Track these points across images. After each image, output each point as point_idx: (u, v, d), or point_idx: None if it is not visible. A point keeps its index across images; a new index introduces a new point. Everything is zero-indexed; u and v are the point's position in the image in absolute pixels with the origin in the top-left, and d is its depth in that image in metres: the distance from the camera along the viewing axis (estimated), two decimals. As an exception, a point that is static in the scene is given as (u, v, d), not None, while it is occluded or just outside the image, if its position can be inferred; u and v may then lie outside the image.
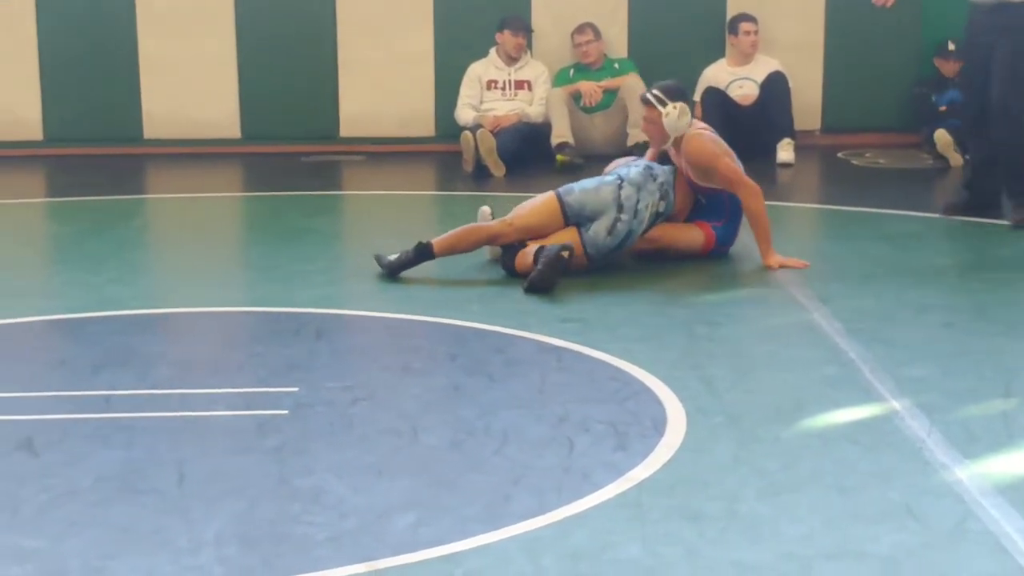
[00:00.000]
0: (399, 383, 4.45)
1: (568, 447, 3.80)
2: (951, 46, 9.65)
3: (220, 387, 4.41)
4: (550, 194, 6.10)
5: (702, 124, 6.37)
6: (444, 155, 9.83)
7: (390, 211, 8.09)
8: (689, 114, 6.17)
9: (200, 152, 9.96)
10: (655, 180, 6.04)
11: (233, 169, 9.72)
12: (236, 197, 8.83)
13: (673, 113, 6.13)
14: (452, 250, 6.03)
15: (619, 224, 5.95)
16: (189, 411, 4.18)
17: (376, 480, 3.60)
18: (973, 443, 3.81)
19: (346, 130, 10.24)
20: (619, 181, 6.04)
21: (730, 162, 6.10)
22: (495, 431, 3.92)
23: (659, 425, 3.96)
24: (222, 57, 10.15)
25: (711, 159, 6.08)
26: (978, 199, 7.12)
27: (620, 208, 5.95)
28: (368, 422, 4.05)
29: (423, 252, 5.95)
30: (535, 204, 6.10)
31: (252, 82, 10.16)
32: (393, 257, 5.98)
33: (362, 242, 7.09)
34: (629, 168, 6.16)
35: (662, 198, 6.05)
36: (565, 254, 5.70)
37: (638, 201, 5.98)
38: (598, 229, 5.95)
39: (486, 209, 6.39)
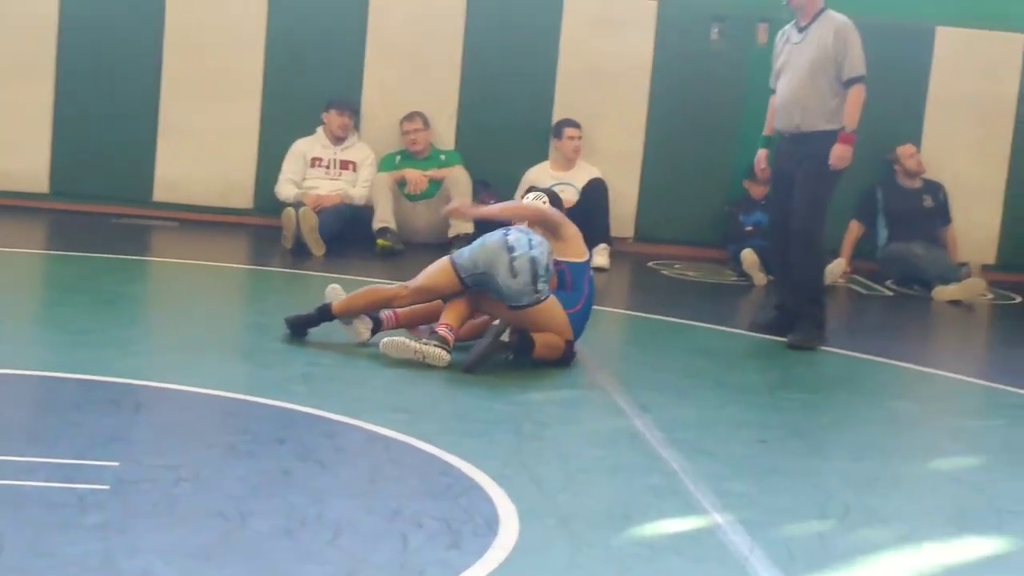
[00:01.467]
0: (225, 464, 4.36)
1: (402, 542, 3.78)
2: (762, 169, 10.03)
3: (37, 456, 4.25)
4: (444, 258, 6.28)
5: None
6: (261, 228, 9.75)
7: (206, 281, 7.97)
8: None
9: (4, 204, 9.66)
10: (540, 238, 6.26)
11: (40, 225, 9.45)
12: (45, 255, 8.58)
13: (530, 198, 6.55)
14: (348, 310, 6.23)
15: (516, 262, 6.04)
16: (5, 479, 4.01)
17: (205, 565, 3.51)
18: (793, 562, 3.91)
19: (160, 194, 10.07)
20: (504, 231, 6.21)
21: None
22: (328, 521, 3.88)
23: (492, 524, 3.97)
24: (38, 107, 9.91)
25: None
26: (786, 319, 7.38)
27: (511, 249, 6.06)
28: (194, 503, 3.95)
29: (323, 313, 6.24)
30: (430, 268, 6.25)
31: (67, 136, 9.95)
32: (294, 315, 6.26)
33: (179, 311, 6.97)
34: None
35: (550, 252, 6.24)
36: (504, 338, 6.00)
37: (529, 239, 6.15)
38: (503, 280, 6.03)
39: (336, 287, 6.39)
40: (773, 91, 7.46)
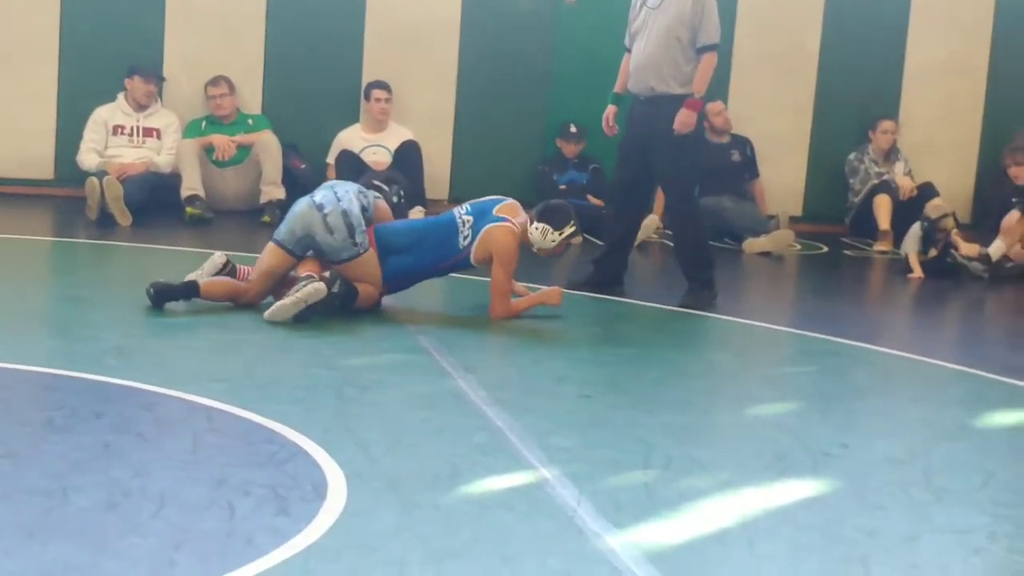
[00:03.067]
0: (43, 440, 4.23)
1: (229, 511, 3.71)
2: (572, 128, 10.12)
3: None
4: (268, 242, 6.38)
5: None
6: (64, 200, 9.48)
7: (9, 255, 7.69)
8: (550, 238, 6.57)
9: None
10: (346, 187, 6.41)
11: None
12: None
13: (536, 233, 6.54)
14: (209, 295, 6.24)
15: (329, 219, 6.18)
16: None
17: (27, 542, 3.39)
18: (620, 512, 3.96)
19: (-43, 167, 9.71)
20: (311, 194, 6.39)
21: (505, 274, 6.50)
22: (151, 493, 3.78)
23: (320, 489, 3.93)
24: None
25: (501, 255, 6.45)
26: (602, 276, 7.47)
27: (320, 207, 6.21)
28: (13, 481, 3.82)
29: (190, 288, 6.21)
30: (261, 255, 6.37)
31: None
32: (163, 283, 6.18)
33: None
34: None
35: (360, 191, 6.40)
36: (335, 289, 6.06)
37: (335, 192, 6.30)
38: (322, 239, 6.18)
39: (218, 257, 6.42)
40: (628, 50, 7.46)
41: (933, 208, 9.32)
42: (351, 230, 6.20)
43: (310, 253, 6.33)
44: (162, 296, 6.13)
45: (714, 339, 6.81)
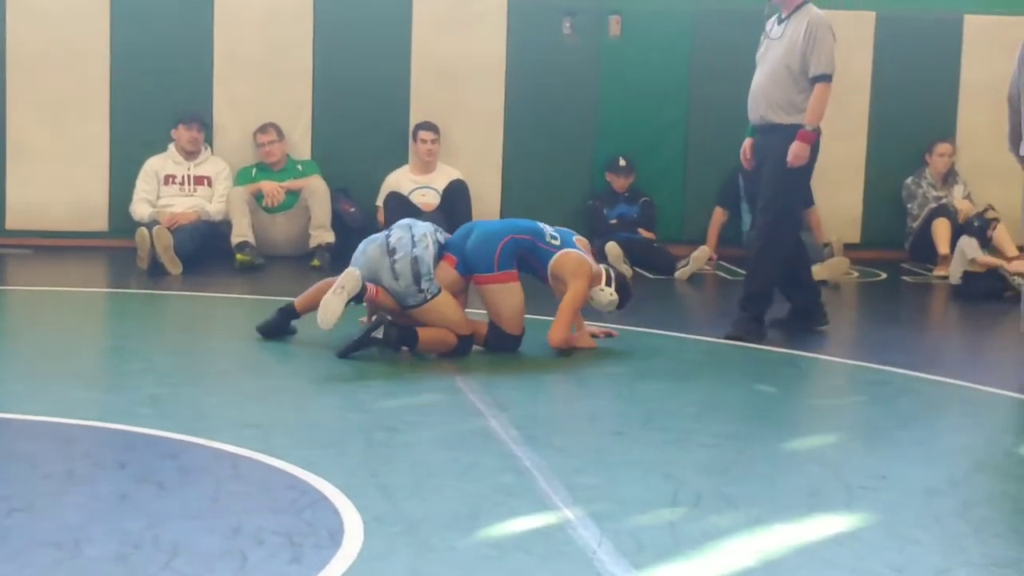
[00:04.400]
0: (61, 492, 4.22)
1: (241, 560, 3.68)
2: (622, 162, 10.07)
3: None
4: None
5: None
6: (118, 250, 9.56)
7: (61, 308, 7.77)
8: (610, 300, 6.65)
9: None
10: (423, 229, 6.37)
11: None
12: None
13: (602, 295, 6.62)
14: (307, 306, 6.40)
15: (397, 265, 6.16)
16: None
17: (33, 597, 3.39)
18: (641, 552, 3.88)
19: (12, 222, 9.83)
20: (387, 232, 6.34)
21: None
22: (164, 543, 3.76)
23: (335, 536, 3.89)
24: None
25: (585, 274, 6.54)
26: (797, 313, 7.49)
27: (392, 252, 6.21)
28: (25, 533, 3.82)
29: (288, 312, 6.45)
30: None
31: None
32: (262, 322, 6.40)
33: (31, 340, 6.78)
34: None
35: (437, 231, 6.40)
36: (377, 335, 6.12)
37: (413, 235, 6.25)
38: (388, 284, 6.21)
39: (355, 271, 6.27)
40: None
41: (969, 206, 9.68)
42: (417, 277, 6.17)
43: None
44: (270, 333, 6.45)
45: (758, 371, 6.69)
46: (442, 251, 6.41)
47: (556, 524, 4.11)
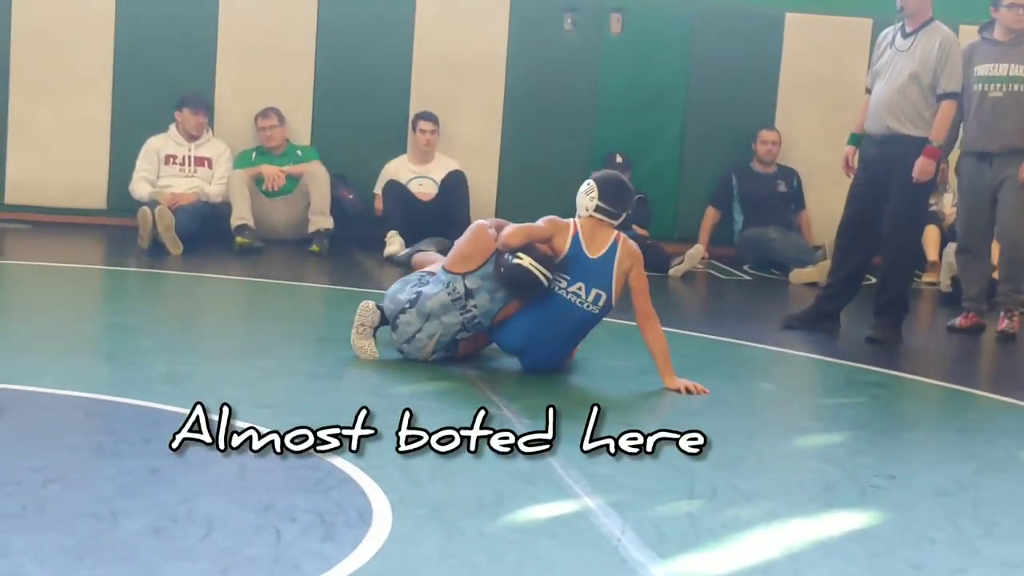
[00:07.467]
0: (92, 465, 4.28)
1: (276, 536, 3.74)
2: (618, 158, 10.15)
3: None
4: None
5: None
6: (116, 229, 9.58)
7: (58, 284, 7.79)
8: (592, 196, 6.04)
9: None
10: (461, 311, 6.01)
11: None
12: None
13: (582, 190, 6.09)
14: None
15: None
16: None
17: (77, 565, 3.44)
18: (664, 542, 3.96)
19: (12, 196, 9.84)
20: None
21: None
22: (199, 518, 3.82)
23: (365, 516, 3.95)
24: None
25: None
26: (821, 313, 7.68)
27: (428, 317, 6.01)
28: (63, 504, 3.87)
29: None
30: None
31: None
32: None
33: (32, 315, 6.80)
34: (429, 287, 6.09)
35: (464, 328, 6.06)
36: None
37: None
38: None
39: (367, 303, 6.12)
40: (868, 91, 7.56)
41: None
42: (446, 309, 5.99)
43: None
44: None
45: (759, 369, 6.79)
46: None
47: (578, 511, 4.19)
